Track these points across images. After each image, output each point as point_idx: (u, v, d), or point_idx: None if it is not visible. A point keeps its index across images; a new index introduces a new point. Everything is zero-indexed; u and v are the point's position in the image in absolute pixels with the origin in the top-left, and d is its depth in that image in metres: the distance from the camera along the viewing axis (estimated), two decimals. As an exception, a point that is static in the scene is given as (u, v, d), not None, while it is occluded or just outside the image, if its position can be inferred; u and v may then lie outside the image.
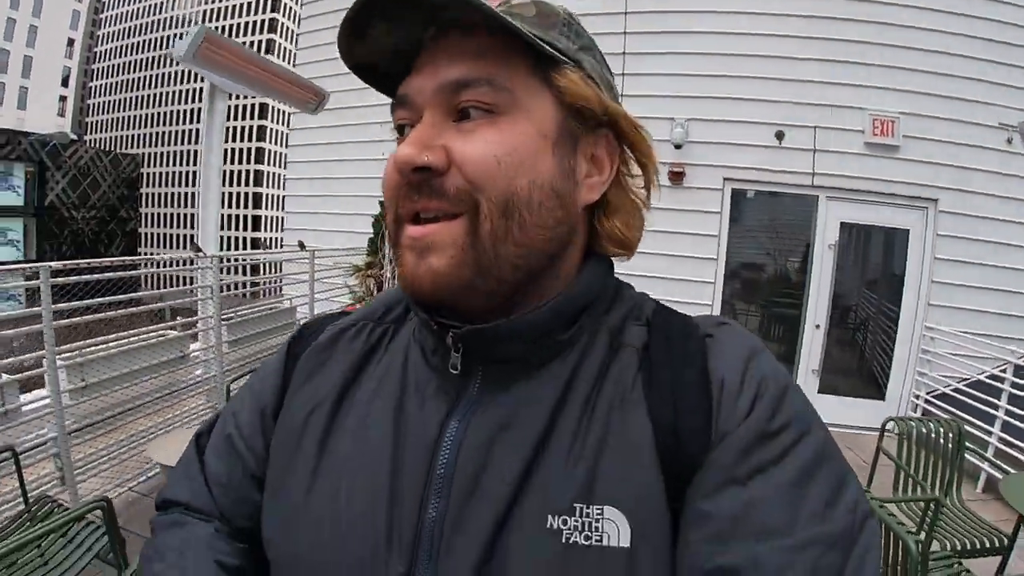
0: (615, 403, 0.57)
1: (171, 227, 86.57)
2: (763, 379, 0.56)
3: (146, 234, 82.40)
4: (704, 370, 0.57)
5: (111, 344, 4.68)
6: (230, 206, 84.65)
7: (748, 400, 0.54)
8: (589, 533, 0.52)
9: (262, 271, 32.30)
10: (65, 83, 64.17)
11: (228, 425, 0.73)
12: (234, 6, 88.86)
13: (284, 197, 9.77)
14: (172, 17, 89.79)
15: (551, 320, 0.60)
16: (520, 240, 0.56)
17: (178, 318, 6.80)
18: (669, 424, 0.55)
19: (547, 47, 0.56)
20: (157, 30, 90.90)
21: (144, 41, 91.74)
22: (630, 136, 0.63)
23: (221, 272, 5.65)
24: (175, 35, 76.59)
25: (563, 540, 0.52)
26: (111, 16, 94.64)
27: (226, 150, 74.19)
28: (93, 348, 4.49)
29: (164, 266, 19.95)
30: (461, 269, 0.55)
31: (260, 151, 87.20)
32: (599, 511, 0.53)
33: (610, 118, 0.61)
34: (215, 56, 5.07)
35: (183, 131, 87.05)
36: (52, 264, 3.82)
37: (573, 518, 0.53)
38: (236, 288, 8.46)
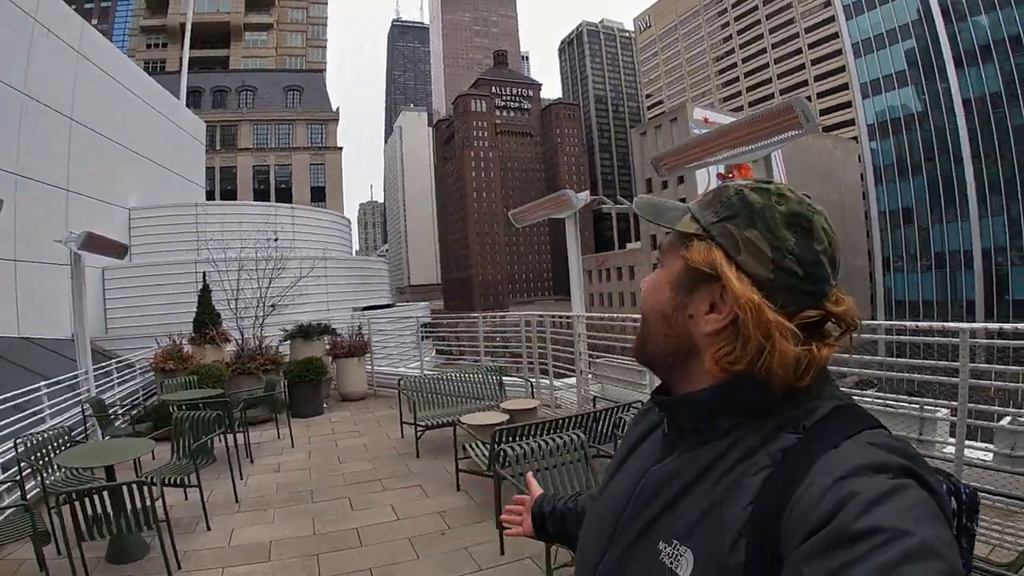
0: (737, 484, 0.79)
1: None
2: (852, 493, 0.65)
3: None
4: (797, 480, 0.72)
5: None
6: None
7: (827, 509, 0.66)
8: (672, 560, 0.81)
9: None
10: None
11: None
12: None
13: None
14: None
15: (698, 402, 0.88)
16: (650, 340, 0.96)
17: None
18: (760, 514, 0.74)
19: (679, 228, 0.93)
20: None
21: None
22: (729, 286, 0.84)
23: None
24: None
25: (659, 556, 0.83)
26: None
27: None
28: None
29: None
30: (635, 349, 1.01)
31: None
32: (684, 550, 0.80)
33: (719, 275, 0.86)
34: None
35: None
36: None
37: (670, 547, 0.82)
38: None
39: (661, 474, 0.90)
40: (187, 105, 29.22)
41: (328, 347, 11.55)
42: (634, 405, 6.04)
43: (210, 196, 37.04)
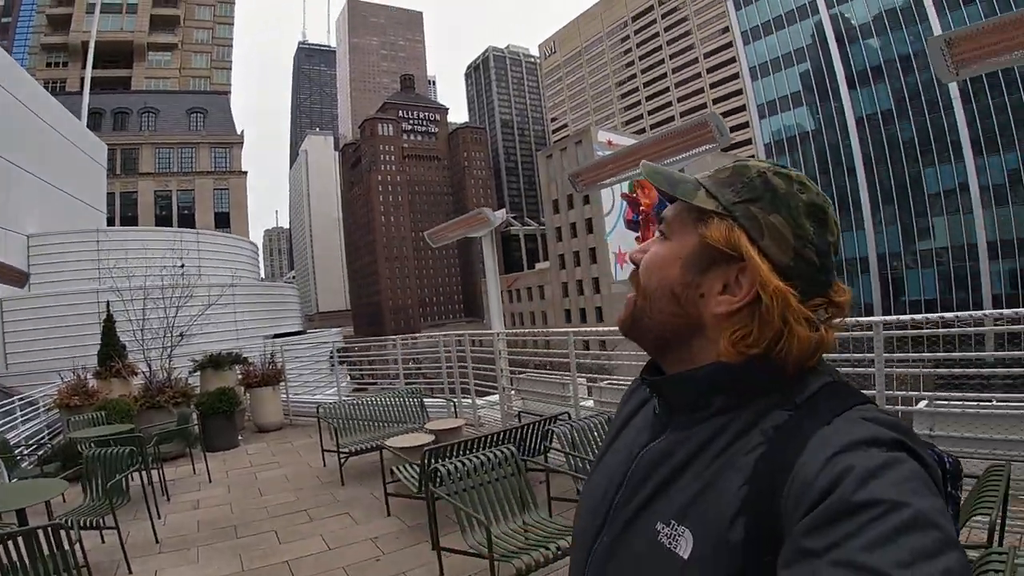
0: (731, 464, 0.79)
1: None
2: (848, 467, 0.66)
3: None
4: (795, 455, 0.73)
5: None
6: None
7: (825, 484, 0.67)
8: (671, 541, 0.80)
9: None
10: None
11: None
12: None
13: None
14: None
15: (698, 380, 0.87)
16: (651, 316, 0.93)
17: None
18: (756, 492, 0.75)
19: (696, 203, 0.89)
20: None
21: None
22: (757, 272, 0.83)
23: None
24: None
25: (657, 537, 0.82)
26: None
27: None
28: None
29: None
30: (626, 322, 0.98)
31: None
32: (682, 530, 0.79)
33: (742, 256, 0.85)
34: None
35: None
36: None
37: (668, 527, 0.81)
38: None
39: (653, 454, 0.90)
40: (88, 127, 28.04)
41: (240, 377, 11.14)
42: (560, 417, 6.05)
43: (110, 222, 35.56)
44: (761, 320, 0.83)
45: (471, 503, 4.18)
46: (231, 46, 64.15)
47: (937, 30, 48.15)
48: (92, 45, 31.31)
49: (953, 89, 47.43)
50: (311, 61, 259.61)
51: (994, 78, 44.42)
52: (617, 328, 1.02)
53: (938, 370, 4.87)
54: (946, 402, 4.96)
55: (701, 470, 0.82)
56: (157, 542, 5.64)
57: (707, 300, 0.88)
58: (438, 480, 4.42)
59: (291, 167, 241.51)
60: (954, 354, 4.67)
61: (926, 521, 0.61)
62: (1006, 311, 4.56)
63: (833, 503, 0.65)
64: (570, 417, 6.26)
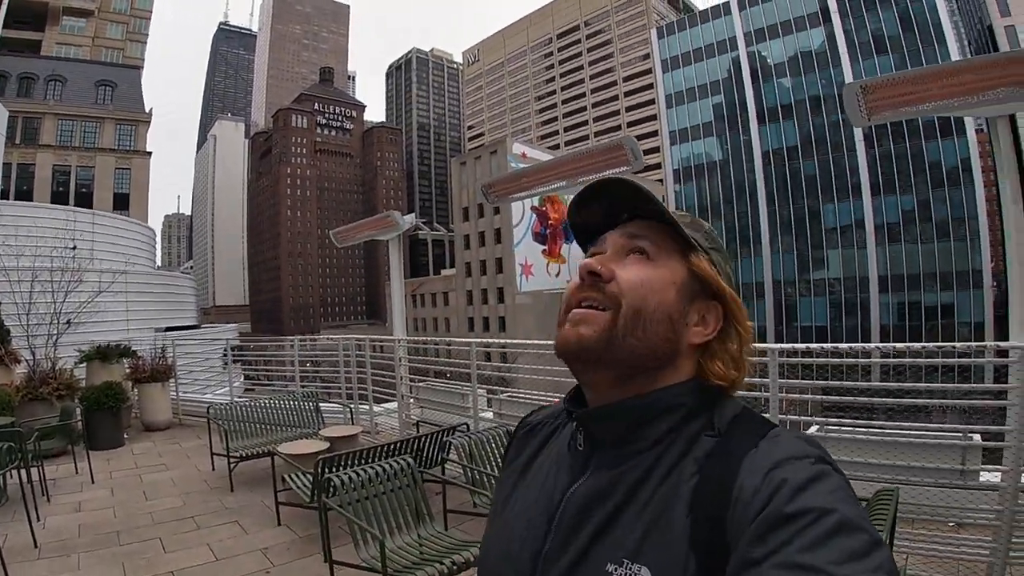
0: (672, 495, 0.80)
1: None
2: (783, 480, 0.72)
3: None
4: (732, 478, 0.77)
5: None
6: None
7: (763, 499, 0.72)
8: None
9: None
10: None
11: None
12: None
13: None
14: None
15: (638, 408, 0.88)
16: (639, 337, 0.87)
17: None
18: (701, 519, 0.77)
19: (691, 237, 0.93)
20: None
21: None
22: (734, 312, 0.93)
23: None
24: None
25: None
26: None
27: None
28: None
29: None
30: (597, 341, 0.87)
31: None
32: (638, 568, 0.78)
33: (721, 295, 0.92)
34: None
35: None
36: None
37: (621, 567, 0.79)
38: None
39: (584, 496, 0.88)
40: (-11, 90, 26.24)
41: (128, 371, 10.58)
42: (459, 428, 6.06)
43: (3, 196, 33.42)
44: (726, 352, 0.92)
45: (365, 515, 4.12)
46: (149, 19, 61.27)
47: (848, 76, 52.26)
48: (4, 3, 29.11)
49: (858, 133, 51.74)
50: (231, 43, 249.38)
51: (897, 126, 48.32)
52: (556, 345, 0.93)
53: (827, 396, 5.15)
54: (836, 427, 5.22)
55: (644, 505, 0.82)
56: (36, 547, 5.33)
57: (688, 329, 0.91)
58: (331, 490, 4.35)
59: (198, 151, 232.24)
60: (845, 382, 4.88)
61: (854, 525, 0.66)
62: (897, 345, 4.87)
63: (770, 514, 0.70)
64: (469, 428, 6.30)
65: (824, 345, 5.02)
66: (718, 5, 65.23)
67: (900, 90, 4.36)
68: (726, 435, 0.85)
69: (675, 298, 0.90)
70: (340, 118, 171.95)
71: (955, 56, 50.37)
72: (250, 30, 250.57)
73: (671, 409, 0.88)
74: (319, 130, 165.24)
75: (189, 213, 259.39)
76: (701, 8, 76.42)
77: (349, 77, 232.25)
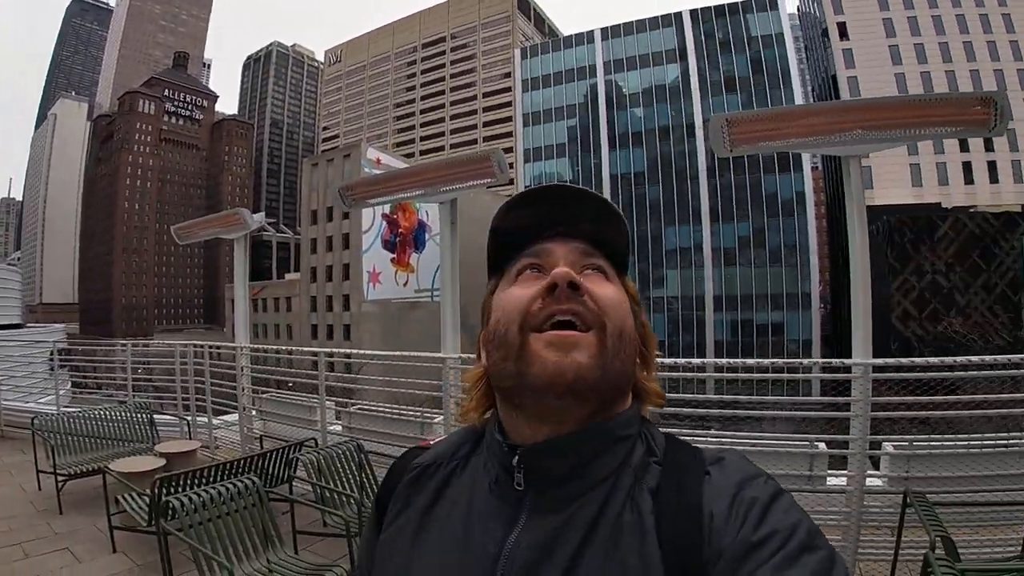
0: (637, 528, 0.74)
1: None
2: (751, 503, 0.72)
3: None
4: (699, 506, 0.74)
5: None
6: None
7: (736, 523, 0.71)
8: None
9: None
10: None
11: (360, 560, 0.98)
12: None
13: None
14: None
15: (601, 435, 0.80)
16: (624, 360, 0.81)
17: None
18: (673, 549, 0.72)
19: (626, 260, 0.93)
20: None
21: None
22: (648, 334, 0.91)
23: None
24: None
25: None
26: None
27: None
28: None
29: None
30: (595, 368, 0.77)
31: None
32: None
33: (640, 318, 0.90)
34: None
35: None
36: None
37: None
38: None
39: (532, 547, 0.76)
40: None
41: (-61, 375, 9.44)
42: (307, 443, 5.79)
43: None
44: (651, 374, 0.90)
45: (209, 540, 3.78)
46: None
47: (698, 110, 56.94)
48: None
49: (702, 163, 57.62)
50: (84, 17, 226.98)
51: (739, 159, 52.76)
52: (541, 376, 0.78)
53: (665, 408, 5.05)
54: (691, 438, 5.44)
55: (609, 544, 0.74)
56: None
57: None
58: (171, 513, 3.92)
59: (35, 130, 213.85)
60: (685, 395, 5.07)
61: (815, 544, 0.69)
62: (731, 360, 5.23)
63: (745, 537, 0.69)
64: (317, 443, 6.04)
65: (664, 360, 5.27)
66: (582, 33, 68.74)
67: (762, 126, 4.74)
68: (670, 461, 0.81)
69: (632, 320, 0.86)
70: (190, 107, 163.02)
71: (799, 100, 56.08)
72: (107, 4, 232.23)
73: (625, 438, 0.82)
74: (167, 118, 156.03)
75: (20, 199, 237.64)
76: (566, 34, 79.32)
77: (205, 65, 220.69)
